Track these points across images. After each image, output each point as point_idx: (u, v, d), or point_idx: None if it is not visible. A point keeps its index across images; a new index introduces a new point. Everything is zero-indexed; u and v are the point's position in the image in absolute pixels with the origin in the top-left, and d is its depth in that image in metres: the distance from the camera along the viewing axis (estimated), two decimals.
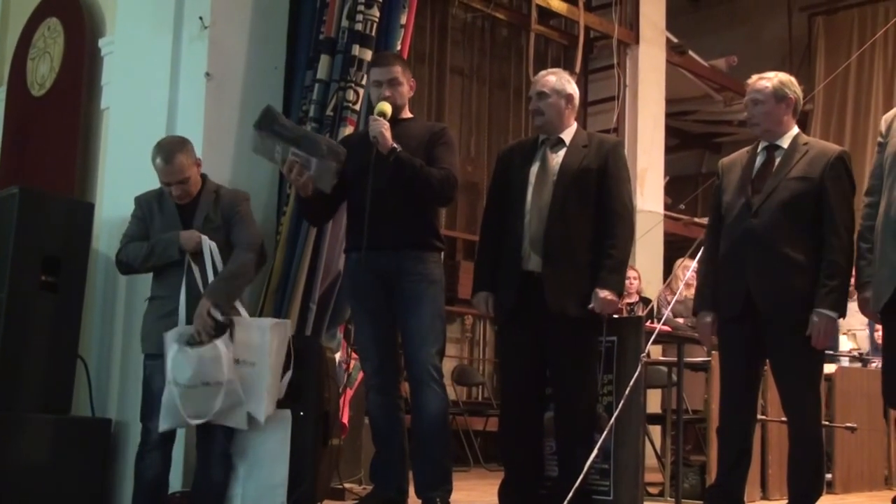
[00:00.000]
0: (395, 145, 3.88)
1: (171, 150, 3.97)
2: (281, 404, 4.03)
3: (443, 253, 4.17)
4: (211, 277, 3.89)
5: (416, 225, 4.01)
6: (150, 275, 4.13)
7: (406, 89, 4.13)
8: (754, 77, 3.98)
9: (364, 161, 3.91)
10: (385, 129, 3.88)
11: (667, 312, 5.62)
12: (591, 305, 3.95)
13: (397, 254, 3.97)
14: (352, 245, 4.11)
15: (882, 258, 3.65)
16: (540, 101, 4.14)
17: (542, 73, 4.27)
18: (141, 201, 4.15)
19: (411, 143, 3.99)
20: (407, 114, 4.20)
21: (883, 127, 3.84)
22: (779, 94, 3.89)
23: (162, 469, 3.95)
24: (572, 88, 4.21)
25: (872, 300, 3.71)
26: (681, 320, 7.15)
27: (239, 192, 4.19)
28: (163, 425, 3.85)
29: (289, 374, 3.98)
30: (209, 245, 3.92)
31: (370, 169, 3.88)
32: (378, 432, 4.10)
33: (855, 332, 7.41)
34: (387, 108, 3.96)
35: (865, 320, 7.54)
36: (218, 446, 3.93)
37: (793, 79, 3.97)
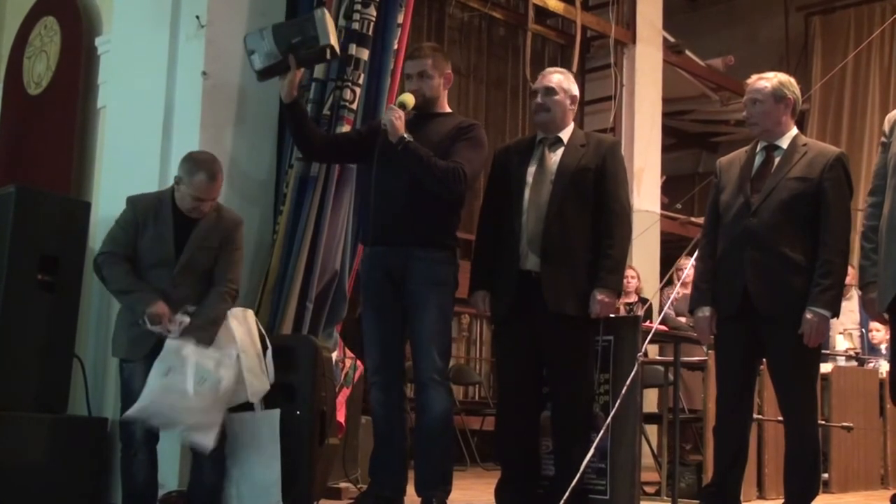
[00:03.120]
0: (404, 135, 3.86)
1: (215, 168, 3.94)
2: (276, 403, 4.03)
3: (456, 252, 4.12)
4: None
5: (427, 222, 3.98)
6: None
7: (437, 83, 4.09)
8: (753, 77, 3.99)
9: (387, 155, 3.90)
10: (397, 117, 3.86)
11: (666, 309, 5.62)
12: (589, 309, 3.96)
13: (406, 251, 3.96)
14: (364, 240, 4.13)
15: (887, 258, 3.65)
16: (547, 98, 4.13)
17: (549, 70, 4.27)
18: (137, 205, 4.04)
19: (435, 139, 3.98)
20: (444, 108, 4.18)
21: (887, 127, 3.85)
22: (777, 95, 3.90)
23: (150, 468, 3.92)
24: (576, 89, 4.24)
25: (878, 300, 3.71)
26: (683, 319, 7.17)
27: (237, 218, 4.14)
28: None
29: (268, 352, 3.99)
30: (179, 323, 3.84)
31: (376, 156, 3.86)
32: (378, 429, 4.10)
33: (851, 331, 7.44)
34: (409, 99, 3.95)
35: (858, 319, 7.60)
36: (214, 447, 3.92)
37: (792, 79, 3.99)
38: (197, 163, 3.95)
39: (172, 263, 3.95)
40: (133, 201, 4.07)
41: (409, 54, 4.26)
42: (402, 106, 3.93)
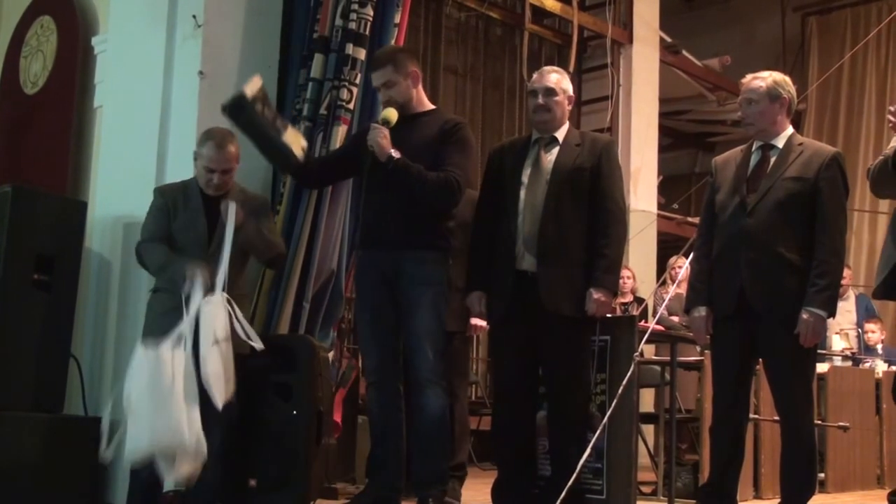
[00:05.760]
0: (392, 153, 3.85)
1: (223, 137, 4.01)
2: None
3: (449, 252, 4.10)
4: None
5: (418, 225, 3.97)
6: (145, 272, 4.13)
7: (404, 86, 4.06)
8: (748, 76, 3.98)
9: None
10: (382, 137, 3.84)
11: (661, 310, 5.62)
12: (585, 308, 3.95)
13: (398, 254, 3.96)
14: (357, 243, 4.14)
15: (885, 247, 3.74)
16: (548, 98, 4.10)
17: (546, 69, 4.23)
18: (165, 191, 4.14)
19: (420, 142, 3.96)
20: (424, 106, 4.14)
21: None
22: (773, 94, 3.89)
23: (156, 469, 3.92)
24: (571, 88, 4.22)
25: (874, 288, 3.82)
26: (675, 318, 7.17)
27: (263, 196, 4.29)
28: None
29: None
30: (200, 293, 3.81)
31: (366, 175, 3.87)
32: (375, 429, 4.10)
33: (847, 331, 7.44)
34: (391, 114, 3.91)
35: (855, 319, 7.61)
36: (213, 447, 3.91)
37: (787, 78, 3.98)
38: (207, 134, 4.04)
39: (205, 245, 3.99)
40: (160, 189, 4.17)
41: (371, 65, 4.25)
42: (386, 122, 3.89)
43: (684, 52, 10.28)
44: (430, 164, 3.93)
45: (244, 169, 4.54)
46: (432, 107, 4.21)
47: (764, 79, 3.92)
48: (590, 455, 3.90)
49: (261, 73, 4.57)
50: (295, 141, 4.07)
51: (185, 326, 3.72)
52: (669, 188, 10.48)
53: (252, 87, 3.89)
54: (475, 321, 4.58)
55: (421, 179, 3.89)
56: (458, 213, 4.14)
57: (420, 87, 4.14)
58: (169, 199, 4.09)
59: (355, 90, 4.51)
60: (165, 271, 3.98)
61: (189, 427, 3.61)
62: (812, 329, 3.70)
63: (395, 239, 3.95)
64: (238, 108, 3.89)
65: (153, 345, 3.67)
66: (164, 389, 3.60)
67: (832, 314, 3.78)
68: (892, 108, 3.67)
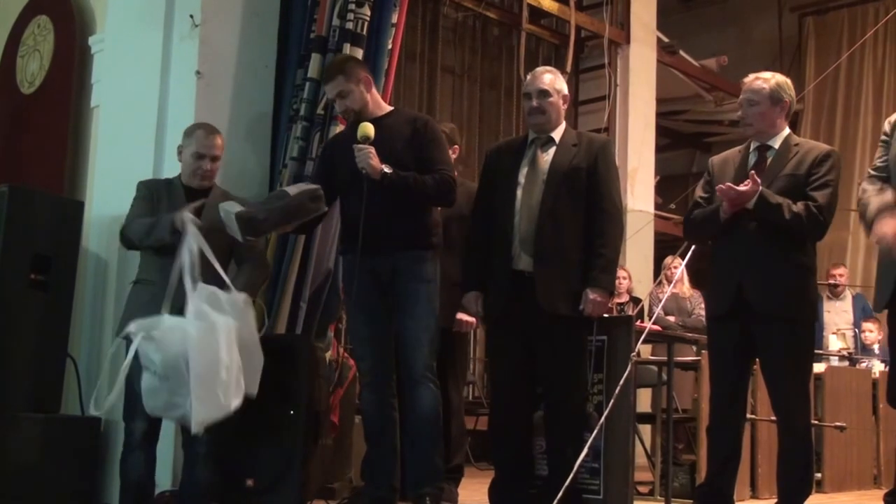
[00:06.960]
0: (384, 170, 3.84)
1: (212, 127, 4.04)
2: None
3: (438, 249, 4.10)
4: (189, 261, 3.64)
5: (411, 226, 3.97)
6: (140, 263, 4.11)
7: (358, 92, 4.02)
8: (750, 76, 3.95)
9: (355, 166, 3.87)
10: (371, 157, 3.82)
11: (657, 310, 5.63)
12: (581, 307, 3.95)
13: (394, 254, 3.96)
14: (347, 248, 4.10)
15: (885, 260, 3.67)
16: (542, 100, 4.10)
17: (539, 70, 4.22)
18: (149, 184, 4.11)
19: (396, 145, 3.95)
20: (382, 108, 4.13)
21: (888, 128, 3.81)
22: (775, 97, 3.88)
23: (146, 469, 3.91)
24: (566, 87, 4.21)
25: (875, 300, 3.74)
26: (672, 318, 7.18)
27: (244, 199, 4.14)
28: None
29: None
30: (194, 228, 3.70)
31: (363, 195, 3.83)
32: (370, 430, 4.10)
33: (844, 331, 7.45)
34: (369, 129, 3.87)
35: (851, 319, 7.60)
36: (203, 447, 3.90)
37: (788, 81, 3.95)
38: (194, 125, 4.07)
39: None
40: (144, 182, 4.14)
41: (322, 78, 4.25)
42: (366, 139, 3.86)
43: (681, 53, 10.29)
44: (410, 164, 3.93)
45: (242, 170, 4.56)
46: (389, 108, 4.19)
47: (766, 80, 3.90)
48: (587, 455, 3.90)
49: (258, 74, 4.58)
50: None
51: (186, 267, 3.61)
52: (666, 188, 10.48)
53: (231, 205, 3.77)
54: (461, 316, 4.56)
55: (420, 187, 3.90)
56: (457, 207, 4.16)
57: (374, 90, 4.12)
58: (152, 189, 4.07)
59: None
60: (153, 231, 3.87)
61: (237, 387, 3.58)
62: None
63: (389, 244, 3.94)
64: (252, 224, 3.76)
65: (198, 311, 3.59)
66: (219, 358, 3.53)
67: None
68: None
